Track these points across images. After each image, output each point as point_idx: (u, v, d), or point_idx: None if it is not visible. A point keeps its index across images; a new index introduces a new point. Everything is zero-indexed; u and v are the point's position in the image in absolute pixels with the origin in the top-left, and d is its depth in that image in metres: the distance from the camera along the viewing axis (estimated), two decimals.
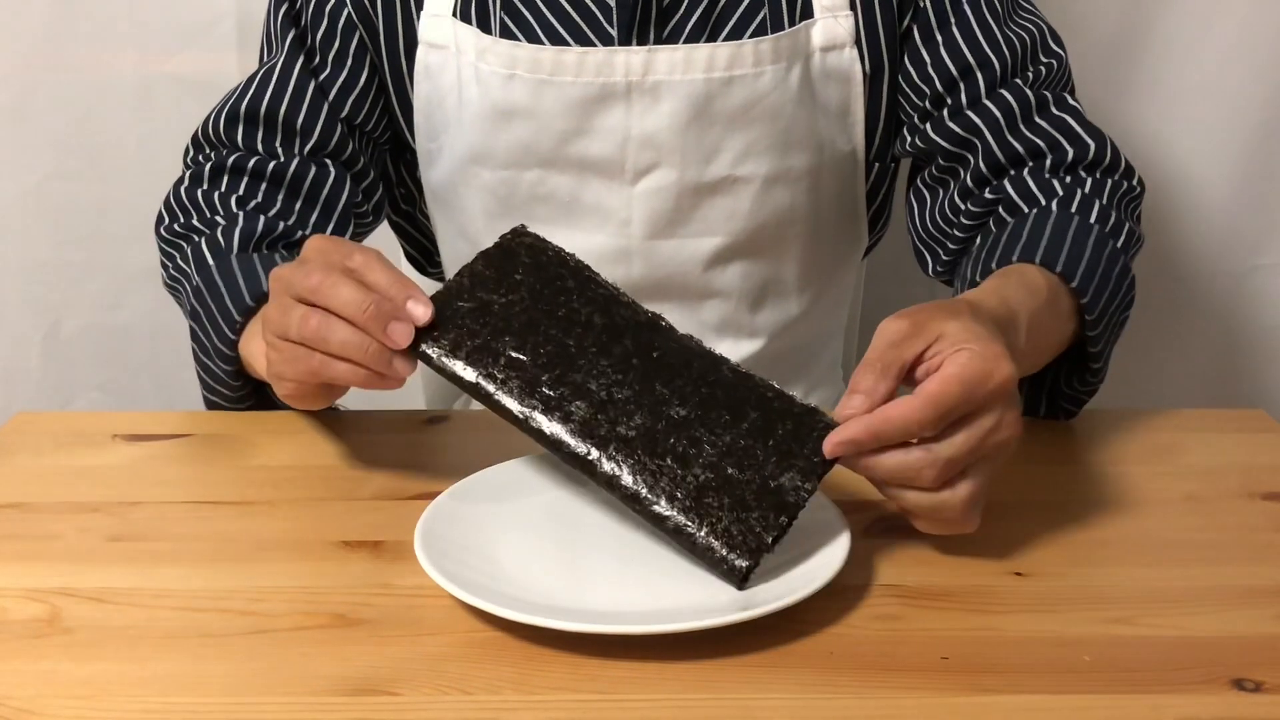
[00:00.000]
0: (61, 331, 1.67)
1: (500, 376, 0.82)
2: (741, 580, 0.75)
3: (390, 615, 0.77)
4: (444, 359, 0.82)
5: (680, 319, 1.13)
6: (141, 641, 0.75)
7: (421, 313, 0.82)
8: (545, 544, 0.82)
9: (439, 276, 1.28)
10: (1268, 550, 0.85)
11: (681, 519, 0.76)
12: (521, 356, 0.82)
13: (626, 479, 0.78)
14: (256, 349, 0.96)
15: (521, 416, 0.81)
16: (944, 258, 1.12)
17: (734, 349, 1.16)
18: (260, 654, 0.73)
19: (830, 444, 0.77)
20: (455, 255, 1.20)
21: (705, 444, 0.79)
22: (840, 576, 0.76)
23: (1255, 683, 0.70)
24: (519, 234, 0.90)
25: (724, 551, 0.75)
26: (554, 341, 0.83)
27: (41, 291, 1.65)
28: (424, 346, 0.83)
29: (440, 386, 1.43)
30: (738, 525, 0.76)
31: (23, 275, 1.65)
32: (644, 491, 0.77)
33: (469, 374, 0.82)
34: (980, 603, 0.78)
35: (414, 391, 1.48)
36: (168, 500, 0.91)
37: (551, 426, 0.80)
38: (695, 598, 0.76)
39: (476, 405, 1.25)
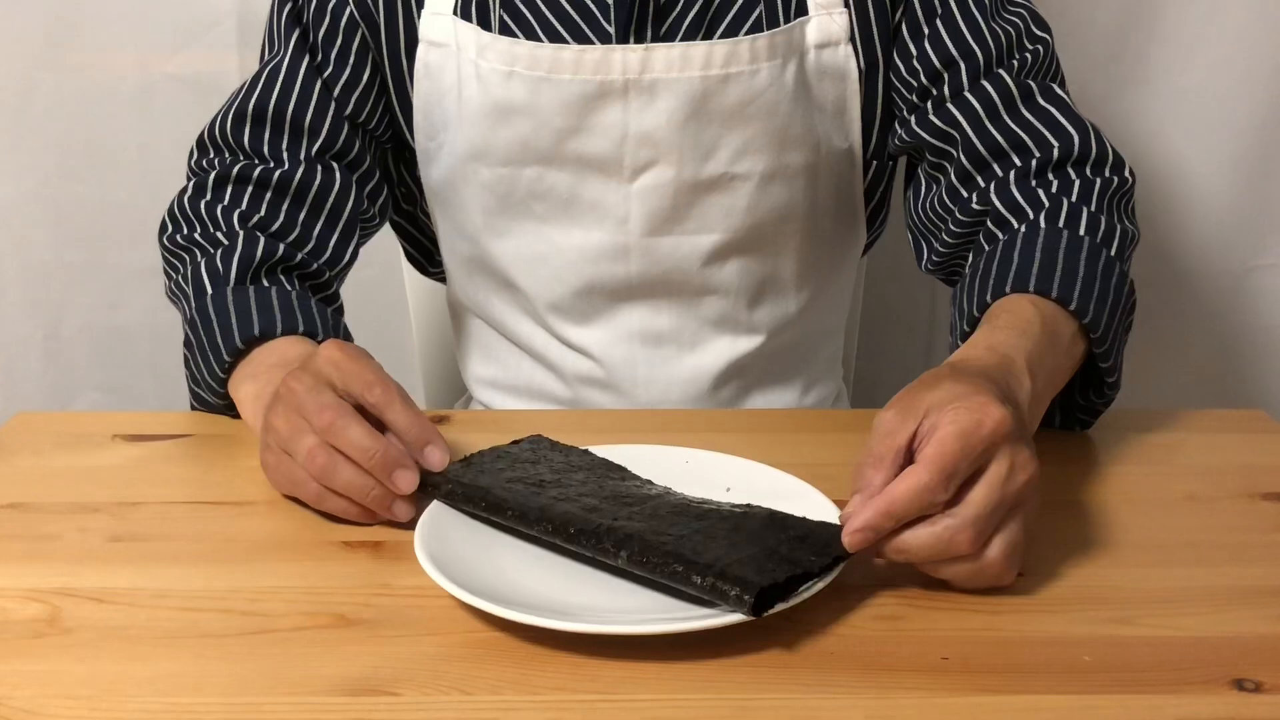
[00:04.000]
0: (61, 331, 1.67)
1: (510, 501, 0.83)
2: (754, 604, 0.71)
3: (390, 615, 0.77)
4: (449, 498, 0.84)
5: (678, 316, 1.15)
6: (141, 641, 0.75)
7: (438, 459, 0.84)
8: (546, 545, 0.82)
9: (439, 277, 1.28)
10: (1268, 550, 0.85)
11: (688, 563, 0.74)
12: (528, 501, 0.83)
13: (629, 557, 0.76)
14: (245, 394, 0.97)
15: (524, 512, 0.81)
16: (935, 258, 1.12)
17: (733, 346, 1.16)
18: (260, 654, 0.73)
19: (849, 535, 0.74)
20: (455, 255, 1.20)
21: (718, 533, 0.77)
22: (840, 576, 0.76)
23: (1255, 683, 0.70)
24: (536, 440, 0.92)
25: (731, 580, 0.72)
26: (560, 500, 0.82)
27: (41, 291, 1.65)
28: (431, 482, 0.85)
29: (441, 386, 1.43)
30: (745, 566, 0.73)
31: (23, 275, 1.65)
32: (652, 556, 0.75)
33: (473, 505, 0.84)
34: (980, 603, 0.78)
35: (414, 391, 1.48)
36: (168, 500, 0.91)
37: (556, 509, 0.80)
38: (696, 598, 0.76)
39: (477, 405, 1.27)
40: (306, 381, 0.86)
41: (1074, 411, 1.01)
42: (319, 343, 0.98)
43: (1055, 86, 1.08)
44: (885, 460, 0.76)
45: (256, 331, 0.99)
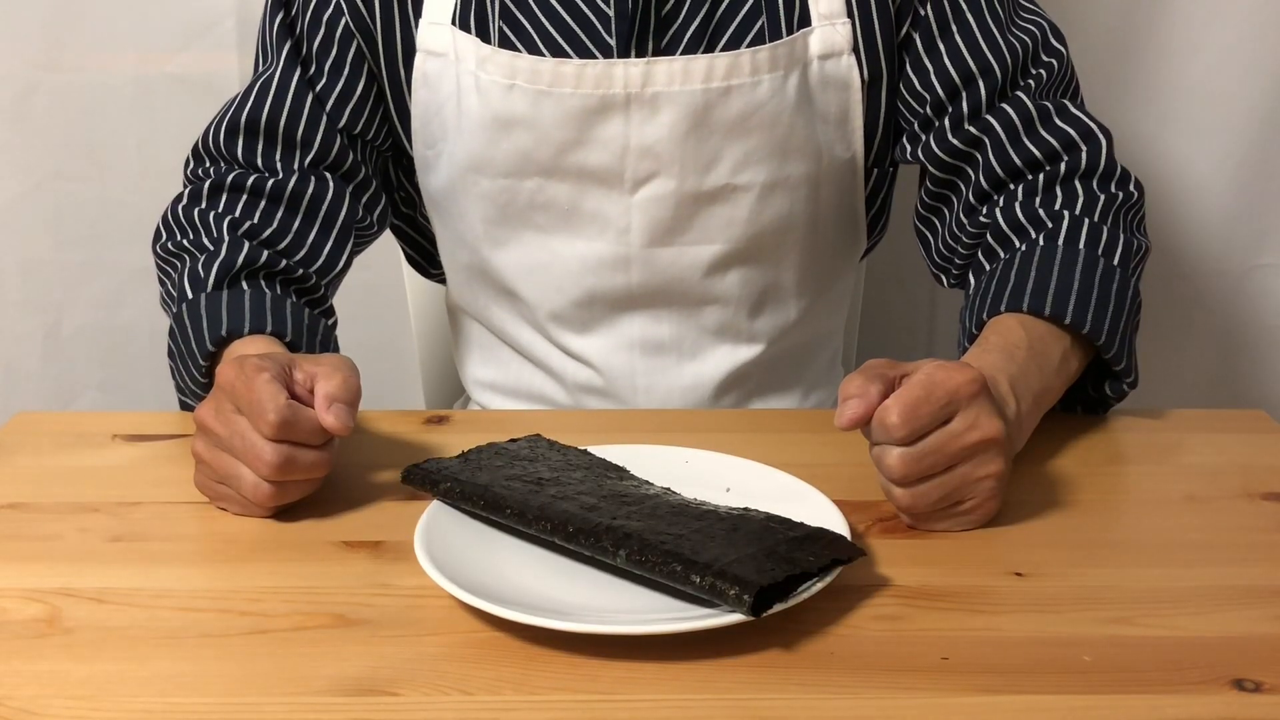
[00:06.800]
0: (61, 331, 1.67)
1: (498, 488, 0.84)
2: (753, 604, 0.71)
3: (390, 615, 0.77)
4: (437, 475, 0.86)
5: (679, 325, 1.15)
6: (141, 641, 0.75)
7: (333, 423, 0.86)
8: (545, 544, 0.82)
9: (440, 278, 1.28)
10: (1268, 550, 0.85)
11: (687, 562, 0.74)
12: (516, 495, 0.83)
13: (628, 555, 0.76)
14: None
15: (523, 510, 0.81)
16: (939, 260, 1.15)
17: (733, 354, 1.16)
18: (260, 654, 0.73)
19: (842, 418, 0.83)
20: (455, 262, 1.20)
21: (717, 533, 0.77)
22: (840, 576, 0.76)
23: (1255, 683, 0.70)
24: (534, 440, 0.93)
25: (730, 579, 0.72)
26: (559, 499, 0.82)
27: (41, 291, 1.65)
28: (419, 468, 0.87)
29: (440, 387, 1.43)
30: (744, 565, 0.73)
31: (23, 275, 1.64)
32: (651, 555, 0.75)
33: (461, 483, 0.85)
34: (980, 603, 0.78)
35: (414, 391, 1.48)
36: (168, 500, 0.91)
37: (555, 508, 0.80)
38: (695, 598, 0.76)
39: (475, 405, 1.27)
40: (211, 407, 0.88)
41: (1093, 405, 1.04)
42: (288, 344, 0.99)
43: (1070, 104, 1.09)
44: (873, 374, 0.84)
45: (224, 332, 0.99)
